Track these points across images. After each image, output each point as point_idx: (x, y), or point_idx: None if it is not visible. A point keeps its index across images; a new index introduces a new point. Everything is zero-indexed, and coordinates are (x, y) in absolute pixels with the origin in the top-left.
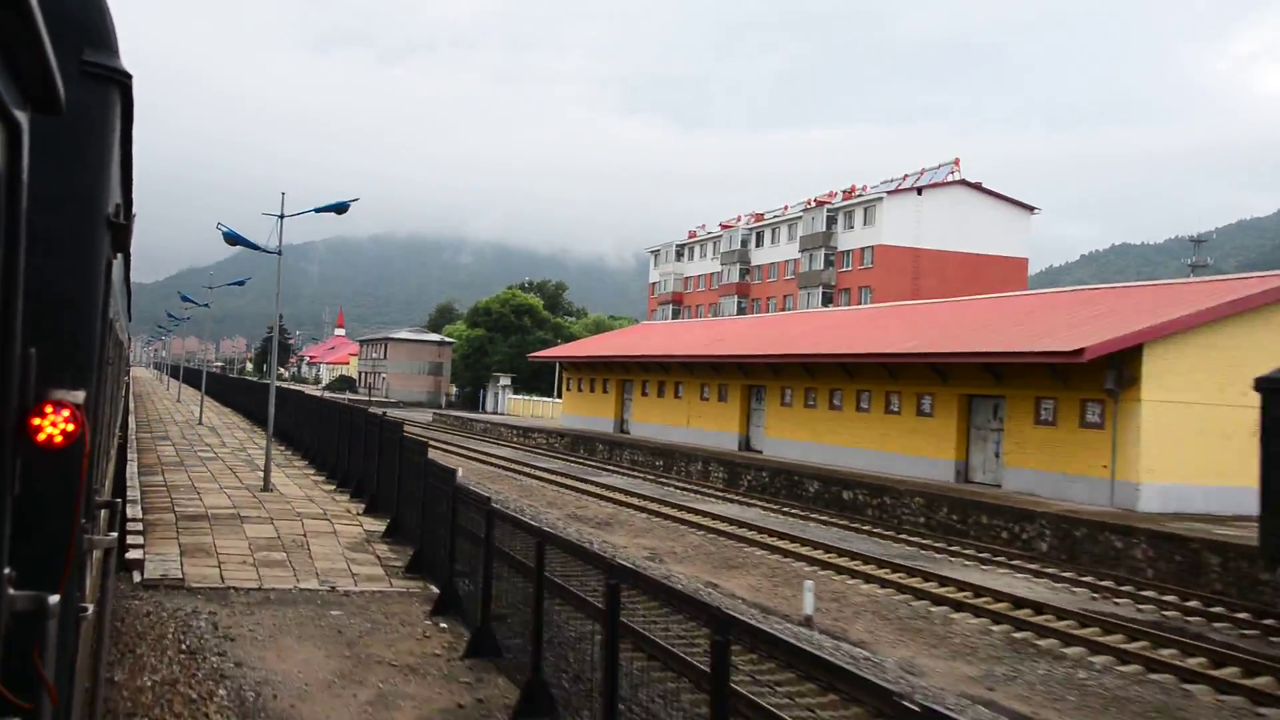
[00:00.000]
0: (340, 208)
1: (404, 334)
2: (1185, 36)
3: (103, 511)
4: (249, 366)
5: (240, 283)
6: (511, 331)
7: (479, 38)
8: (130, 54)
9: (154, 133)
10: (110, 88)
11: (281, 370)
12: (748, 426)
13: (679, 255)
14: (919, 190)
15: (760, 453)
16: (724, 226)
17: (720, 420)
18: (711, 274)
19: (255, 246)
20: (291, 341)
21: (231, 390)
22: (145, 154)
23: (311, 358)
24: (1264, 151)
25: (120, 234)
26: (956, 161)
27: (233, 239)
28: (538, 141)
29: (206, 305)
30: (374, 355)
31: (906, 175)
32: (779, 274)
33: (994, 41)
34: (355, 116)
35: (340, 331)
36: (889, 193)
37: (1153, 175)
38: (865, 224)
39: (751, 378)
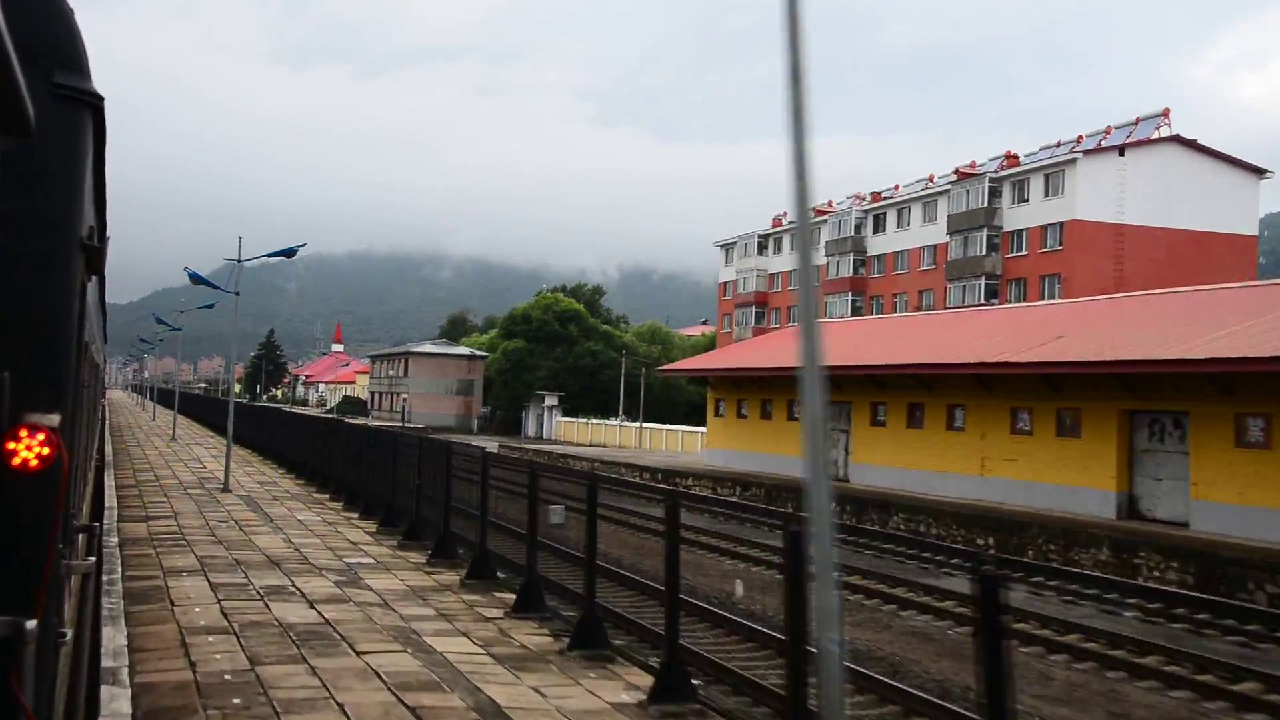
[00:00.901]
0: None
1: (427, 347)
2: (1165, 46)
3: (80, 535)
4: (237, 388)
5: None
6: (555, 342)
7: (458, 51)
8: (101, 71)
9: (127, 151)
10: (82, 110)
11: (274, 391)
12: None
13: (761, 248)
14: (1121, 150)
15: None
16: (819, 212)
17: (1070, 467)
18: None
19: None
20: (284, 360)
21: (245, 422)
22: (118, 173)
23: (308, 377)
24: (1247, 154)
25: (94, 256)
26: (1166, 112)
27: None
28: (517, 155)
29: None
30: (390, 373)
31: (1100, 133)
32: (910, 264)
33: (975, 51)
34: (333, 132)
35: (338, 347)
36: (1084, 153)
37: None
38: (1048, 194)
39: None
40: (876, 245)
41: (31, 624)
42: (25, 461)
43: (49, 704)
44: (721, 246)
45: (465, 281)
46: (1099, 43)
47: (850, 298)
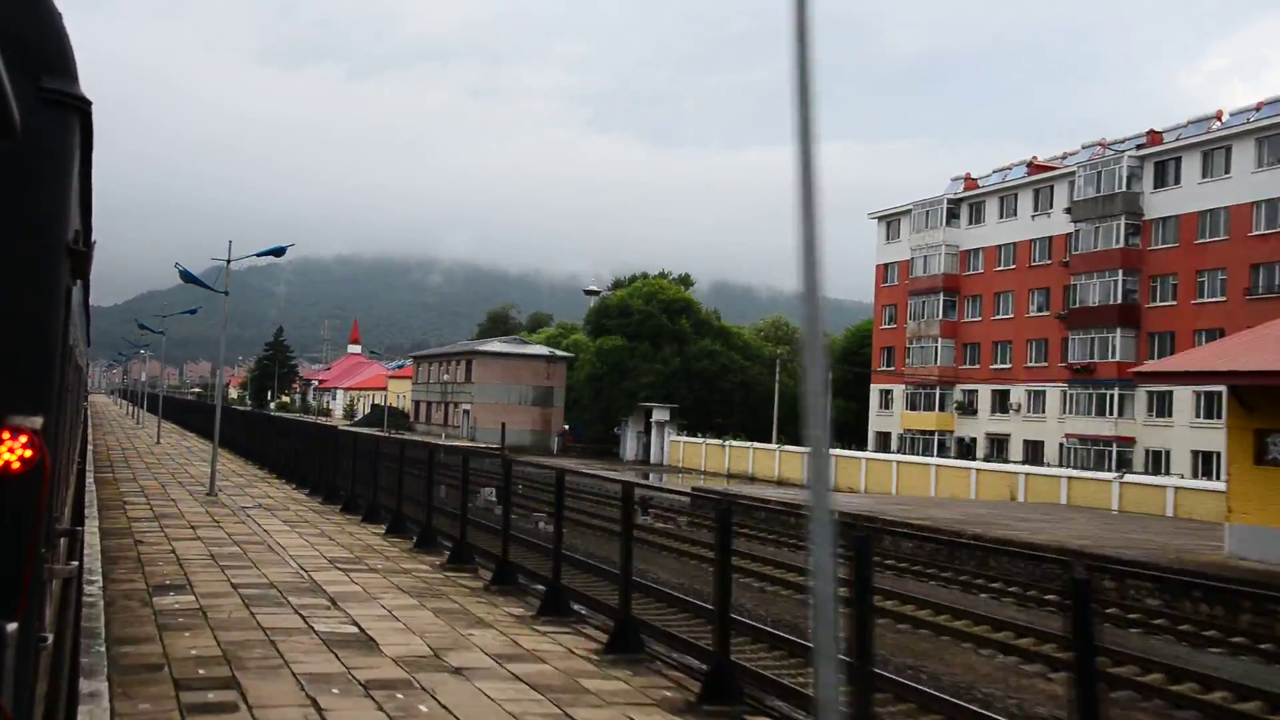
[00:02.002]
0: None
1: (495, 345)
2: (1158, 55)
3: (62, 539)
4: (234, 394)
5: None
6: (664, 339)
7: (453, 52)
8: (86, 69)
9: (113, 150)
10: (69, 114)
11: (283, 397)
12: None
13: (951, 217)
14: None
15: None
16: (1034, 169)
17: None
18: (1040, 240)
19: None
20: (295, 363)
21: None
22: (103, 173)
23: (322, 382)
24: None
25: (79, 261)
26: (1219, 114)
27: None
28: (510, 159)
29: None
30: (444, 377)
31: None
32: (1235, 227)
33: (969, 60)
34: (323, 133)
35: (355, 348)
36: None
37: None
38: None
39: None
40: (1162, 204)
41: (12, 627)
42: (7, 464)
43: (29, 708)
44: (880, 219)
45: (455, 286)
46: (1093, 52)
47: (1121, 279)
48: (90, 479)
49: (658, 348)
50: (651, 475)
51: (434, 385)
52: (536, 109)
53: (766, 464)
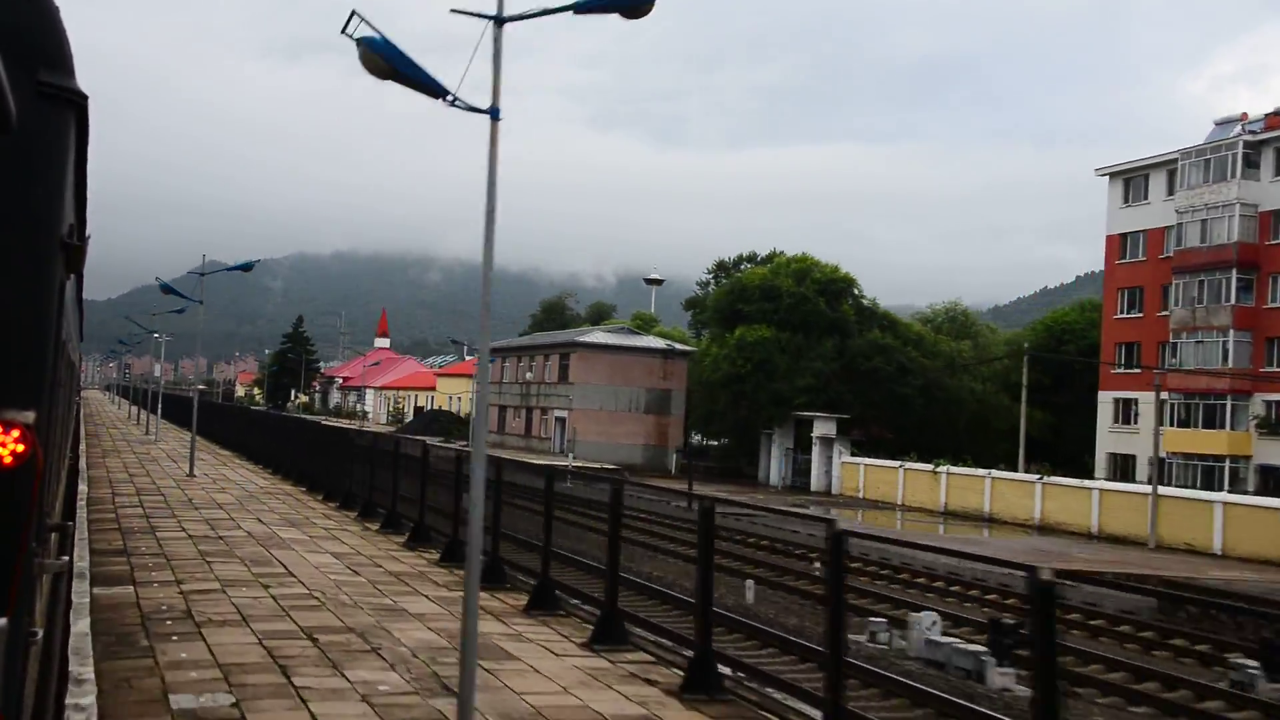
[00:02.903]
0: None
1: (598, 336)
2: (1163, 60)
3: (53, 534)
4: (242, 392)
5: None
6: (822, 330)
7: (458, 47)
8: (81, 61)
9: (107, 143)
10: (65, 109)
11: (300, 396)
12: None
13: (1249, 165)
14: None
15: None
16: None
17: None
18: None
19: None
20: (317, 359)
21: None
22: (98, 166)
23: (346, 380)
24: None
25: (73, 255)
26: (1243, 117)
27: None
28: (511, 156)
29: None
30: (526, 375)
31: None
32: None
33: (973, 63)
34: (322, 128)
35: (383, 342)
36: None
37: None
38: None
39: None
40: None
41: (2, 622)
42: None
43: (18, 703)
44: (1115, 176)
45: (454, 284)
46: (1097, 56)
47: None
48: (83, 471)
49: (812, 341)
50: (821, 507)
51: (511, 386)
52: (537, 106)
53: (1015, 500)
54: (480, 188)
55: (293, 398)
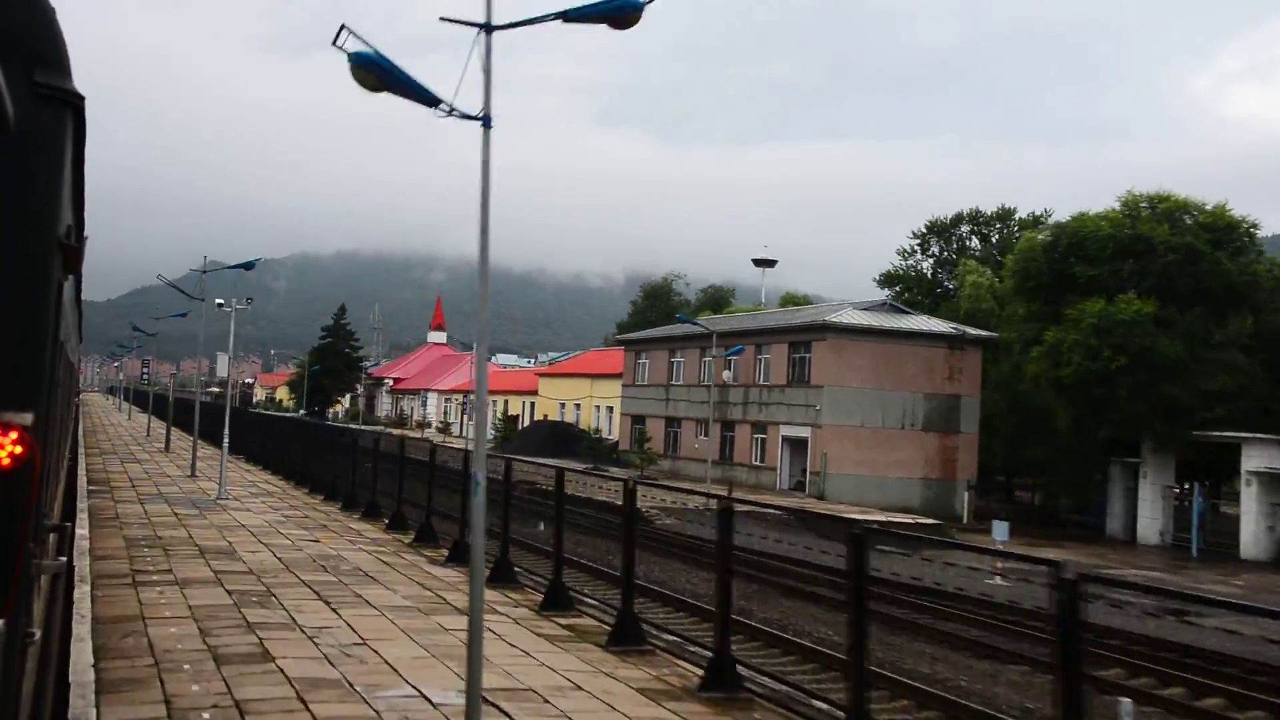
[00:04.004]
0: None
1: (849, 315)
2: (1172, 55)
3: (51, 535)
4: (261, 395)
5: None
6: (1221, 301)
7: (467, 41)
8: (82, 56)
9: (108, 141)
10: (62, 109)
11: (338, 401)
12: None
13: None
14: None
15: None
16: None
17: None
18: None
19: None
20: (363, 355)
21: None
22: (98, 163)
23: (398, 382)
24: (1253, 162)
25: (71, 255)
26: None
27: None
28: (518, 154)
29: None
30: (724, 374)
31: None
32: None
33: (980, 57)
34: (327, 124)
35: (438, 337)
36: None
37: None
38: None
39: None
40: None
41: None
42: None
43: (15, 703)
44: None
45: (458, 284)
46: (1105, 51)
47: None
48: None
49: (1210, 318)
50: None
51: (683, 390)
52: (548, 103)
53: None
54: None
55: (337, 404)
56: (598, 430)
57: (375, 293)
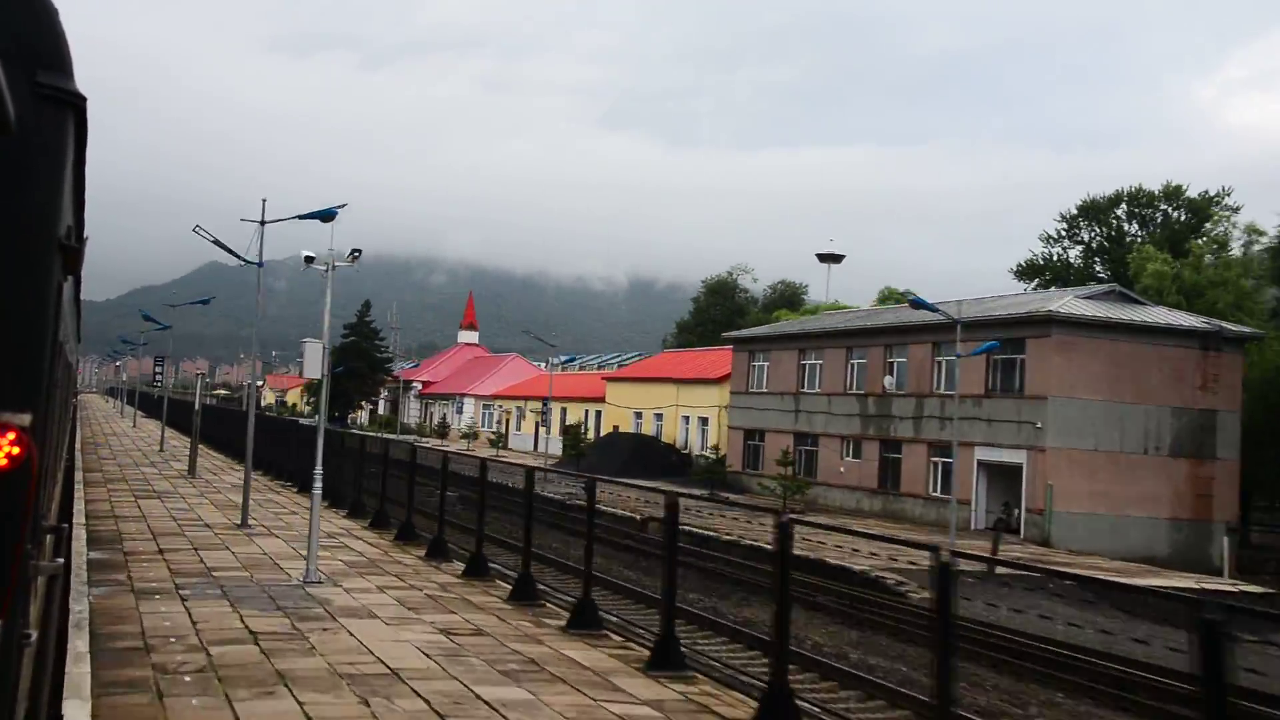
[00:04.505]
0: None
1: (1075, 304)
2: (1177, 62)
3: (49, 536)
4: (268, 398)
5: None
6: None
7: (472, 42)
8: (83, 53)
9: (107, 140)
10: (64, 110)
11: (361, 405)
12: None
13: None
14: None
15: None
16: None
17: None
18: None
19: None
20: (391, 356)
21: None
22: (100, 163)
23: (427, 385)
24: (1258, 171)
25: (71, 257)
26: None
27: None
28: (520, 157)
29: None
30: (884, 381)
31: None
32: None
33: (988, 64)
34: (330, 125)
35: (469, 336)
36: None
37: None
38: None
39: None
40: None
41: None
42: None
43: (11, 705)
44: None
45: (459, 287)
46: (1109, 58)
47: None
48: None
49: None
50: None
51: (848, 400)
52: (552, 105)
53: None
54: (484, 187)
55: (359, 410)
56: (714, 449)
57: (376, 295)
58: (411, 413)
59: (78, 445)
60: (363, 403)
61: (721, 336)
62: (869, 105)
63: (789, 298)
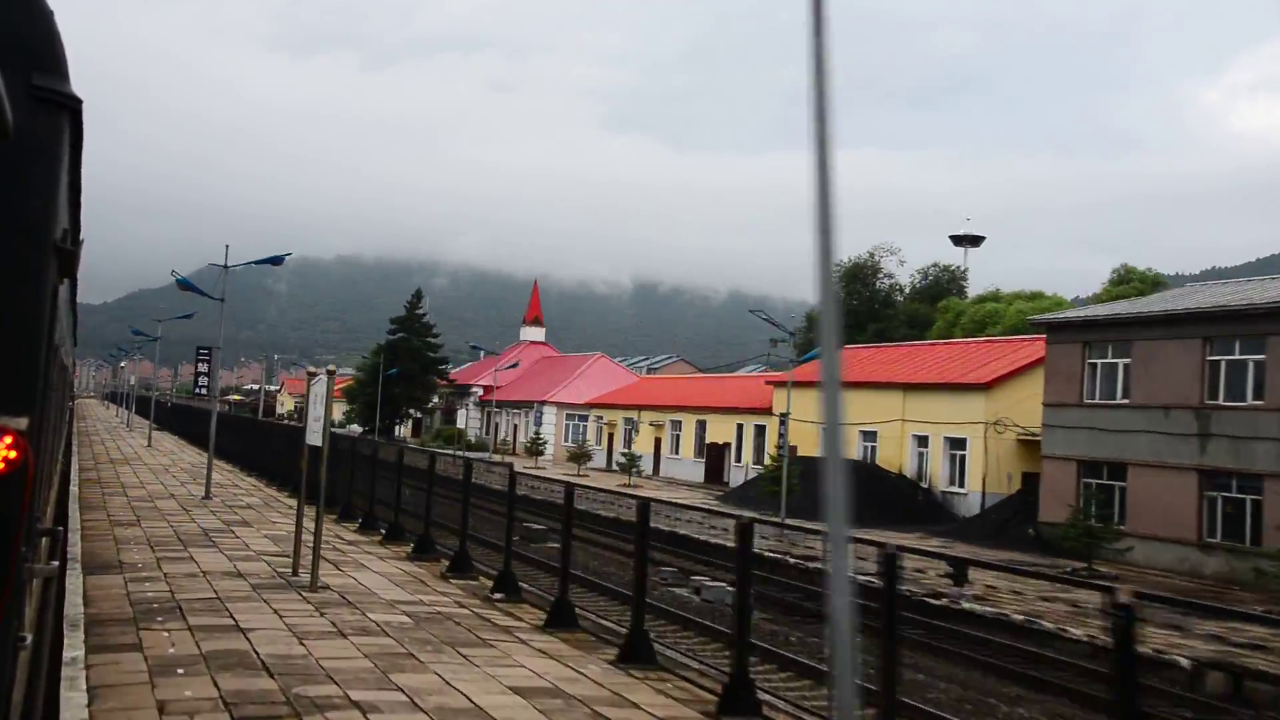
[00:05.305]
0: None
1: None
2: (1185, 67)
3: (44, 539)
4: (286, 405)
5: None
6: None
7: (477, 42)
8: (80, 51)
9: (105, 141)
10: (60, 113)
11: (409, 414)
12: None
13: None
14: None
15: None
16: None
17: None
18: None
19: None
20: (446, 357)
21: None
22: (97, 164)
23: (488, 391)
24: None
25: (67, 260)
26: None
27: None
28: (523, 159)
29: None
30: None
31: None
32: None
33: (995, 68)
34: (332, 126)
35: (534, 333)
36: None
37: (1172, 207)
38: None
39: None
40: None
41: None
42: None
43: (5, 707)
44: None
45: (460, 291)
46: (1116, 63)
47: None
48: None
49: None
50: None
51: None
52: (556, 107)
53: None
54: (487, 190)
55: (408, 418)
56: (895, 470)
57: (376, 297)
58: (471, 423)
59: (73, 452)
60: (411, 411)
61: (1029, 322)
62: (874, 109)
63: (945, 284)
